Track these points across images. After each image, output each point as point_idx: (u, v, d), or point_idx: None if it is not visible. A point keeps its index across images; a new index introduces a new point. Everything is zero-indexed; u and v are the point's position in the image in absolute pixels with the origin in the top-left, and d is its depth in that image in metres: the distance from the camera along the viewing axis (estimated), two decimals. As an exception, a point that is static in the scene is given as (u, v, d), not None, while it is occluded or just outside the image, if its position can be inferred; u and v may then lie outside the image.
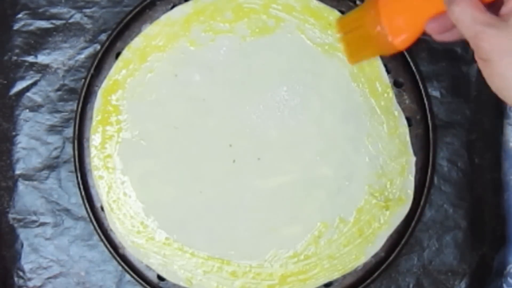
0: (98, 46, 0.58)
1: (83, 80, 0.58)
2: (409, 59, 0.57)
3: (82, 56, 0.59)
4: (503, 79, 0.38)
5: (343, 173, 0.56)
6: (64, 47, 0.59)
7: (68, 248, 0.58)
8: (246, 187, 0.56)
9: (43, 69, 0.59)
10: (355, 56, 0.49)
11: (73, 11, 0.59)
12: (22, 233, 0.58)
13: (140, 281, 0.56)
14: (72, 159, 0.57)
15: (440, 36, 0.42)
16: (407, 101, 0.57)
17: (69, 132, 0.58)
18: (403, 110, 0.57)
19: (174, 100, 0.57)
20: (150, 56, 0.57)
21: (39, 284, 0.58)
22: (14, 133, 0.59)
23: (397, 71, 0.57)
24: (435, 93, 0.58)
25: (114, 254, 0.56)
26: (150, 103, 0.57)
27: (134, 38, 0.57)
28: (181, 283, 0.56)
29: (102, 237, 0.56)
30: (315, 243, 0.56)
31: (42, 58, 0.59)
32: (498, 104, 0.59)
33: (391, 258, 0.56)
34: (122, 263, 0.57)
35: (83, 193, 0.57)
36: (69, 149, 0.58)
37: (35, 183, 0.58)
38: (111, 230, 0.57)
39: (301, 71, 0.57)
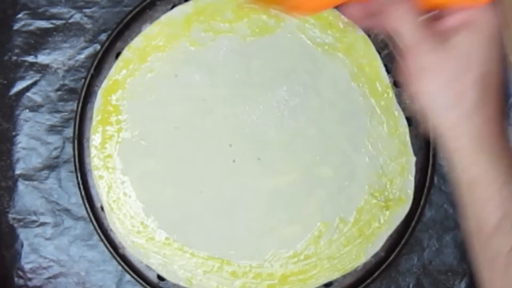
0: (98, 46, 0.58)
1: (83, 80, 0.58)
2: (409, 59, 0.57)
3: (82, 56, 0.59)
4: (426, 94, 0.38)
5: (343, 173, 0.56)
6: (64, 47, 0.59)
7: (68, 248, 0.58)
8: (246, 187, 0.56)
9: (43, 69, 0.59)
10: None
11: (73, 11, 0.59)
12: (22, 233, 0.58)
13: (140, 281, 0.56)
14: (72, 159, 0.57)
15: (360, 21, 0.42)
16: (407, 101, 0.57)
17: (69, 132, 0.58)
18: (403, 110, 0.57)
19: (174, 100, 0.57)
20: (150, 56, 0.57)
21: (39, 284, 0.58)
22: (14, 133, 0.59)
23: (397, 71, 0.57)
24: (435, 93, 0.58)
25: (114, 254, 0.56)
26: (150, 103, 0.57)
27: (134, 38, 0.57)
28: (181, 283, 0.56)
29: (102, 237, 0.56)
30: (315, 243, 0.56)
31: (42, 58, 0.59)
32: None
33: (391, 258, 0.56)
34: (122, 263, 0.56)
35: (83, 193, 0.57)
36: (69, 149, 0.58)
37: (35, 183, 0.58)
38: (111, 230, 0.57)
39: (301, 71, 0.57)
